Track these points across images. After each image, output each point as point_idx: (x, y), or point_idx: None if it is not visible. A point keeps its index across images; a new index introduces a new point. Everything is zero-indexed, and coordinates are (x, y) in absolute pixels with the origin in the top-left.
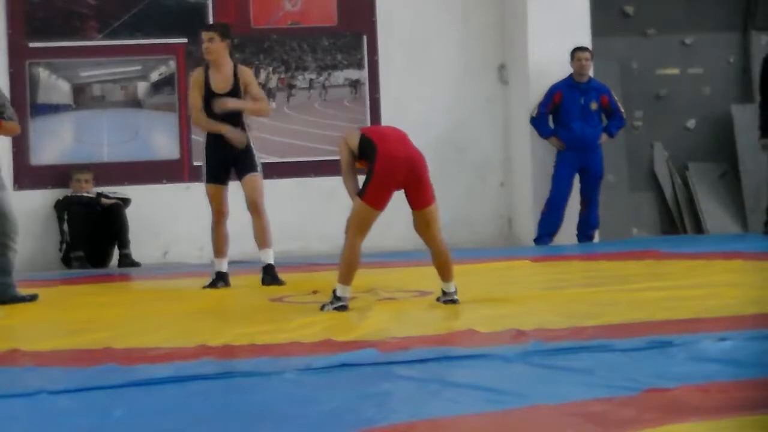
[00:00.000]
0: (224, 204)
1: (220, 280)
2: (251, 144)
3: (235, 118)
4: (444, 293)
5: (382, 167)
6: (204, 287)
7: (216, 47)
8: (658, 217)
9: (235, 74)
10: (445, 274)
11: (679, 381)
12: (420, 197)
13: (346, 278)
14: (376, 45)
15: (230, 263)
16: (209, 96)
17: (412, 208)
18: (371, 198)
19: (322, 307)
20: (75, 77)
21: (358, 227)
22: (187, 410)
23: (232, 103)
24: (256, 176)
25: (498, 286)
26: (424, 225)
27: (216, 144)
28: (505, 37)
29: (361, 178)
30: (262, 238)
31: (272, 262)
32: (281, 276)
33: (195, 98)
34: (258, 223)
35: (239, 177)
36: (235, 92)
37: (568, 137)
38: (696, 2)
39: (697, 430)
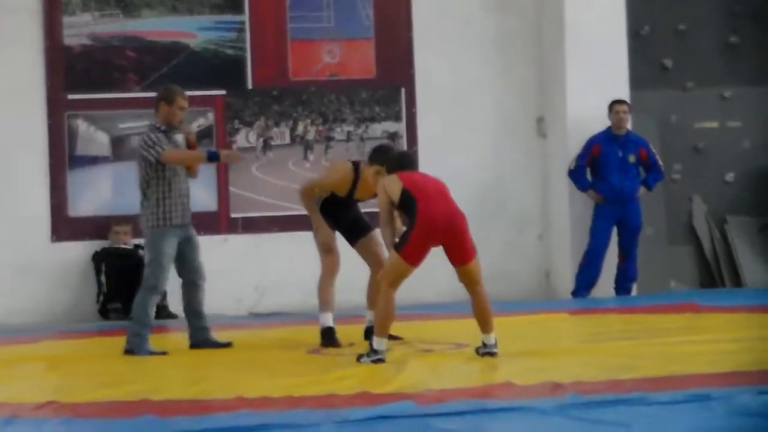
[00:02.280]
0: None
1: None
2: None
3: None
4: (484, 345)
5: (422, 227)
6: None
7: None
8: (696, 271)
9: None
10: (485, 326)
11: None
12: (459, 254)
13: (382, 331)
14: (414, 98)
15: (268, 315)
16: None
17: (453, 265)
18: (409, 254)
19: (359, 359)
20: (113, 129)
21: (393, 281)
22: None
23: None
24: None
25: (536, 339)
26: (465, 279)
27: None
28: (544, 90)
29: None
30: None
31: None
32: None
33: None
34: None
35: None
36: None
37: (606, 190)
38: (735, 56)
39: None
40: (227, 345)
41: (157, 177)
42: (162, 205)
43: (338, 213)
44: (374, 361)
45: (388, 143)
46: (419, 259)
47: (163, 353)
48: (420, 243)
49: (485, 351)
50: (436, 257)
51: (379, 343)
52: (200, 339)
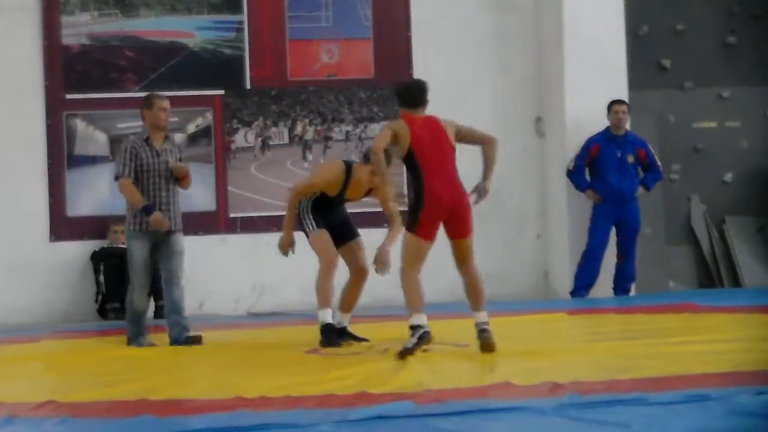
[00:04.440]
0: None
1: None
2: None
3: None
4: (476, 324)
5: (430, 205)
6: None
7: None
8: (694, 271)
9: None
10: (476, 303)
11: None
12: (460, 228)
13: (416, 304)
14: None
15: (267, 315)
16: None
17: (449, 237)
18: (422, 231)
19: (403, 352)
20: (112, 129)
21: (413, 260)
22: None
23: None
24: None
25: (534, 339)
26: (459, 253)
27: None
28: (542, 90)
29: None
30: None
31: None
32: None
33: None
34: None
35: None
36: None
37: (604, 190)
38: (733, 56)
39: None
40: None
41: (133, 184)
42: (136, 211)
43: (327, 212)
44: (420, 338)
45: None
46: (433, 235)
47: (152, 345)
48: (430, 221)
49: (479, 329)
50: (436, 257)
51: (417, 318)
52: (176, 337)
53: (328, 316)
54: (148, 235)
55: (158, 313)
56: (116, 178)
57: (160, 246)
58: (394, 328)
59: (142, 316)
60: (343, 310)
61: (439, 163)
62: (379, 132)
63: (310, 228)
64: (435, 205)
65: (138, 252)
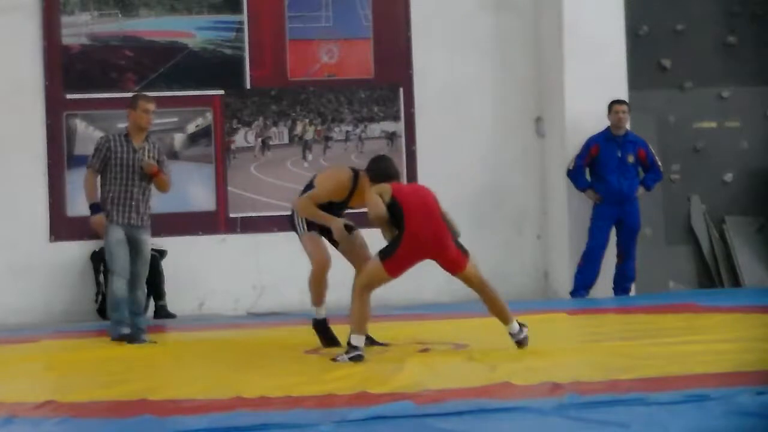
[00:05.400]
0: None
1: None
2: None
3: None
4: (510, 335)
5: (409, 243)
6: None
7: None
8: (694, 271)
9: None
10: (503, 318)
11: None
12: (449, 266)
13: (360, 328)
14: (412, 97)
15: (267, 315)
16: None
17: (446, 269)
18: (392, 267)
19: (336, 358)
20: (112, 129)
21: (369, 285)
22: None
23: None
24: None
25: (534, 339)
26: (467, 284)
27: None
28: (542, 90)
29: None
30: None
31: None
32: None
33: None
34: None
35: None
36: None
37: (604, 190)
38: (733, 56)
39: None
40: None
41: (105, 177)
42: (107, 203)
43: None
44: (352, 358)
45: (385, 155)
46: (400, 272)
47: (129, 336)
48: (405, 258)
49: (516, 340)
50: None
51: (357, 339)
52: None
53: (319, 313)
54: (122, 226)
55: (158, 313)
56: (87, 166)
57: (130, 242)
58: (393, 328)
59: (122, 303)
60: None
61: (423, 205)
62: (369, 201)
63: (302, 230)
64: (415, 242)
65: (114, 238)
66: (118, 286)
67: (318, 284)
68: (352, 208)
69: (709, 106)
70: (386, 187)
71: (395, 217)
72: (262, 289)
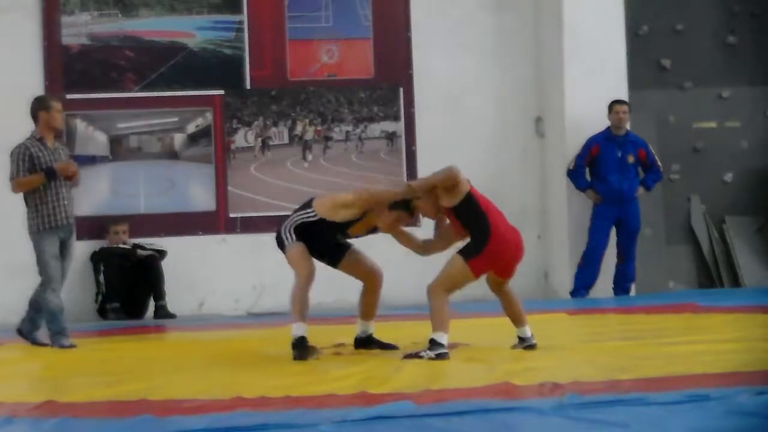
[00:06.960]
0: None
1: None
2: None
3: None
4: (520, 339)
5: (498, 244)
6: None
7: None
8: (694, 271)
9: None
10: (518, 320)
11: None
12: (508, 275)
13: (444, 325)
14: (412, 97)
15: (267, 315)
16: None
17: (497, 276)
18: (479, 266)
19: (418, 355)
20: (112, 129)
21: (451, 288)
22: None
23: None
24: None
25: (534, 339)
26: (499, 285)
27: None
28: (542, 90)
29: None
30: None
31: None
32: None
33: None
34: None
35: None
36: None
37: (604, 190)
38: (733, 56)
39: None
40: (43, 344)
41: None
42: (40, 210)
43: (322, 237)
44: (438, 355)
45: None
46: (483, 273)
47: (72, 346)
48: (492, 259)
49: (525, 345)
50: (437, 258)
51: (441, 337)
52: (26, 330)
53: (300, 330)
54: (56, 231)
55: (158, 313)
56: (11, 180)
57: (62, 248)
58: (394, 328)
59: (60, 314)
60: (365, 318)
61: (500, 213)
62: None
63: (289, 241)
64: (503, 245)
65: (49, 249)
66: (53, 298)
67: (304, 297)
68: (349, 235)
69: (709, 106)
70: (464, 180)
71: (469, 213)
72: (262, 289)
